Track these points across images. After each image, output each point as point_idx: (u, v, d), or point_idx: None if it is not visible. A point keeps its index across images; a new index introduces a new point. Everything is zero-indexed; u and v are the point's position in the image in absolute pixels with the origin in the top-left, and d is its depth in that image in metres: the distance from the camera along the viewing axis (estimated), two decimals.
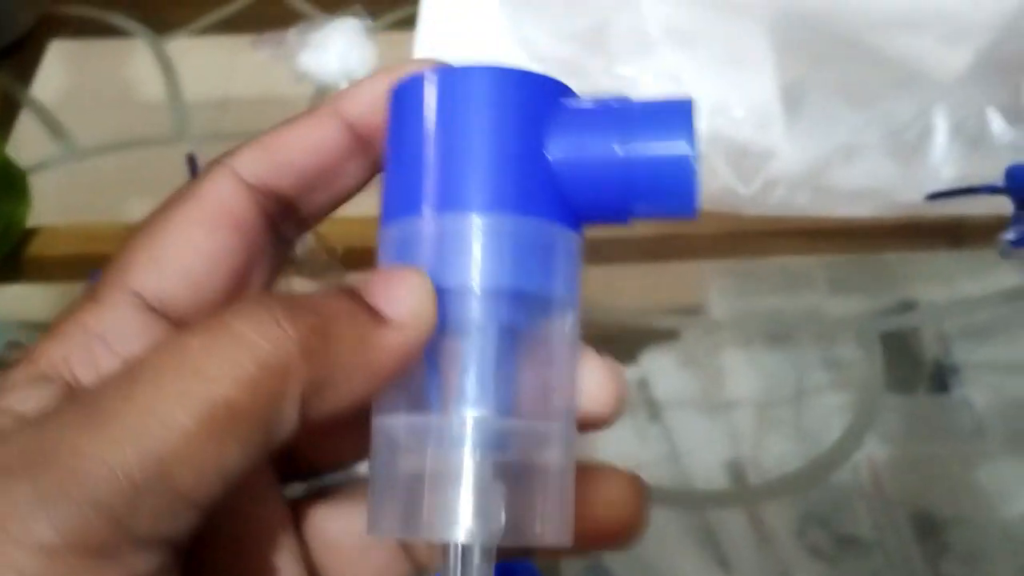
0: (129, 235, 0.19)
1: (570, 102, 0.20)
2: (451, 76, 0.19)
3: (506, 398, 0.18)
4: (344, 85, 0.56)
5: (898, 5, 0.54)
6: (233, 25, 0.61)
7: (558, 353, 0.19)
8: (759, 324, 0.53)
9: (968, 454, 0.49)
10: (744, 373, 0.52)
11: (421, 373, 0.19)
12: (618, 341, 0.53)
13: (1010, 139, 0.46)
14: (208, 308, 0.19)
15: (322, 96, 0.56)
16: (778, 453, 0.50)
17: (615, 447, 0.50)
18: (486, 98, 0.19)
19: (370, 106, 0.20)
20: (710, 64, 0.52)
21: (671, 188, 0.19)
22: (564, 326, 0.19)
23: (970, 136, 0.47)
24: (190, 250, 0.19)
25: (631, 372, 0.53)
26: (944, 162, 0.47)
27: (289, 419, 0.17)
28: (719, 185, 0.47)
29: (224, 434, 0.16)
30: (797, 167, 0.48)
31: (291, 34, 0.55)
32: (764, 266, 0.54)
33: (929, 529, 0.47)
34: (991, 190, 0.42)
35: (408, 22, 0.58)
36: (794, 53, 0.52)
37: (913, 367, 0.51)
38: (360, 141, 0.20)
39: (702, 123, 0.49)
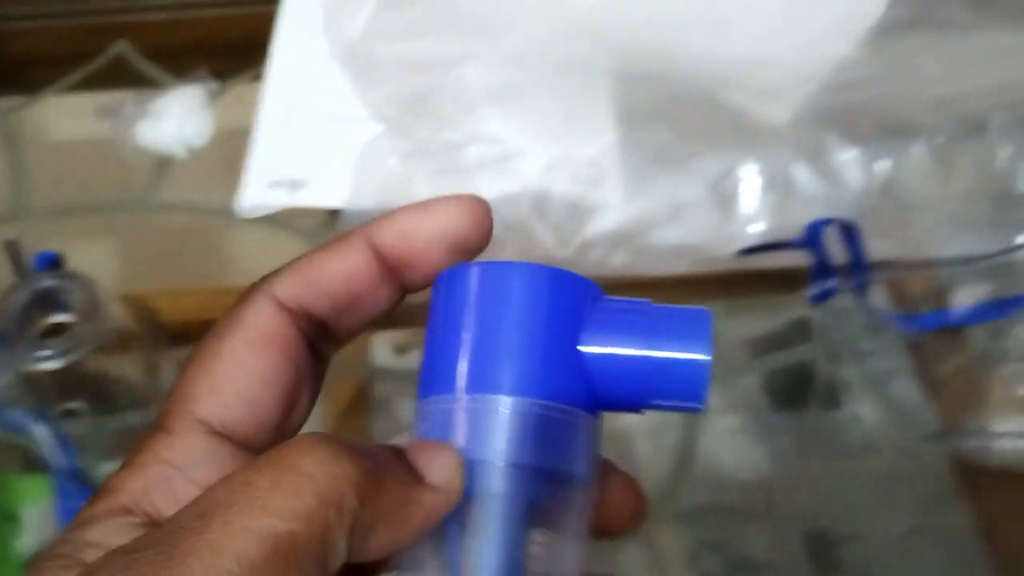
0: (185, 365, 0.21)
1: (602, 302, 0.22)
2: (494, 270, 0.22)
3: (519, 563, 0.20)
4: (182, 155, 0.57)
5: (728, 59, 0.55)
6: (83, 88, 0.60)
7: (573, 523, 0.21)
8: None
9: (859, 470, 0.50)
10: None
11: (443, 533, 0.21)
12: None
13: (816, 192, 0.47)
14: (266, 427, 0.21)
15: (162, 168, 0.56)
16: (671, 477, 0.50)
17: None
18: (523, 292, 0.21)
19: (400, 237, 0.22)
20: (542, 122, 0.52)
21: (688, 387, 0.22)
22: (580, 498, 0.21)
23: (779, 190, 0.47)
24: (245, 376, 0.21)
25: None
26: (756, 216, 0.47)
27: (340, 553, 0.18)
28: (537, 249, 0.48)
29: (288, 565, 0.17)
30: (620, 225, 0.48)
31: (129, 104, 0.55)
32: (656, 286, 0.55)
33: (822, 547, 0.48)
34: (793, 245, 0.43)
35: (254, 85, 0.58)
36: (629, 109, 0.53)
37: (803, 385, 0.52)
38: (389, 269, 0.22)
39: (531, 181, 0.49)
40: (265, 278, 0.22)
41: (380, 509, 0.19)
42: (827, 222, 0.43)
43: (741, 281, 0.50)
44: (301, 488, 0.18)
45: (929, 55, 0.54)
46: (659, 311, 0.22)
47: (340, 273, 0.22)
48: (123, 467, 0.20)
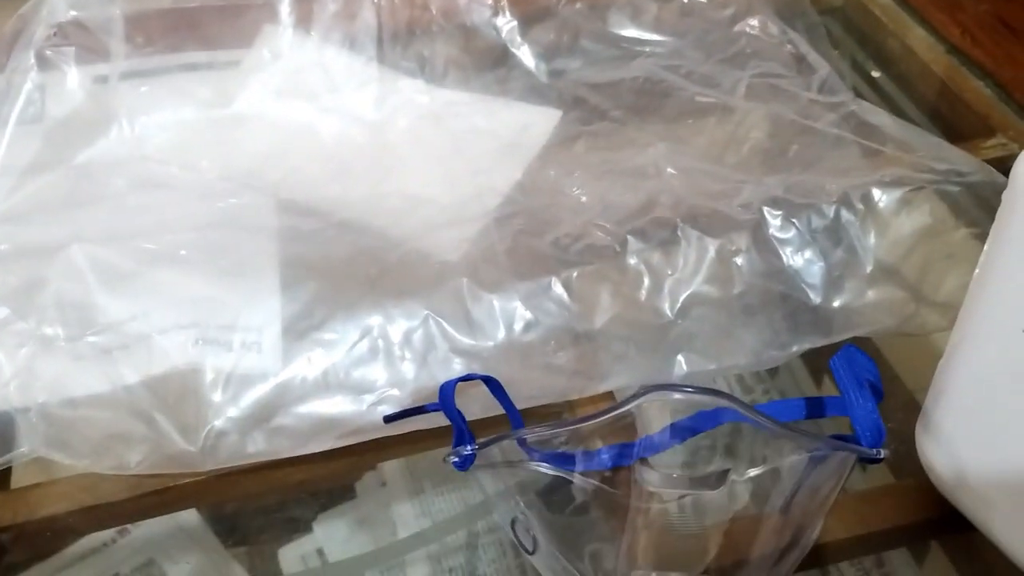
0: None
1: None
2: None
3: None
4: None
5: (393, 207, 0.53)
6: None
7: None
8: (428, 470, 0.52)
9: None
10: (417, 524, 0.51)
11: None
12: (292, 511, 0.51)
13: (462, 347, 0.45)
14: None
15: None
16: None
17: None
18: None
19: None
20: (188, 293, 0.49)
21: None
22: None
23: (418, 349, 0.45)
24: None
25: (310, 542, 0.51)
26: (395, 379, 0.44)
27: None
28: (170, 443, 0.44)
29: None
30: (265, 402, 0.45)
31: None
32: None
33: None
34: (433, 408, 0.40)
35: None
36: (288, 261, 0.50)
37: None
38: None
39: (180, 358, 0.44)
40: None
41: None
42: (460, 380, 0.40)
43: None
44: None
45: (584, 174, 0.53)
46: None
47: None
48: None
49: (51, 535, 0.48)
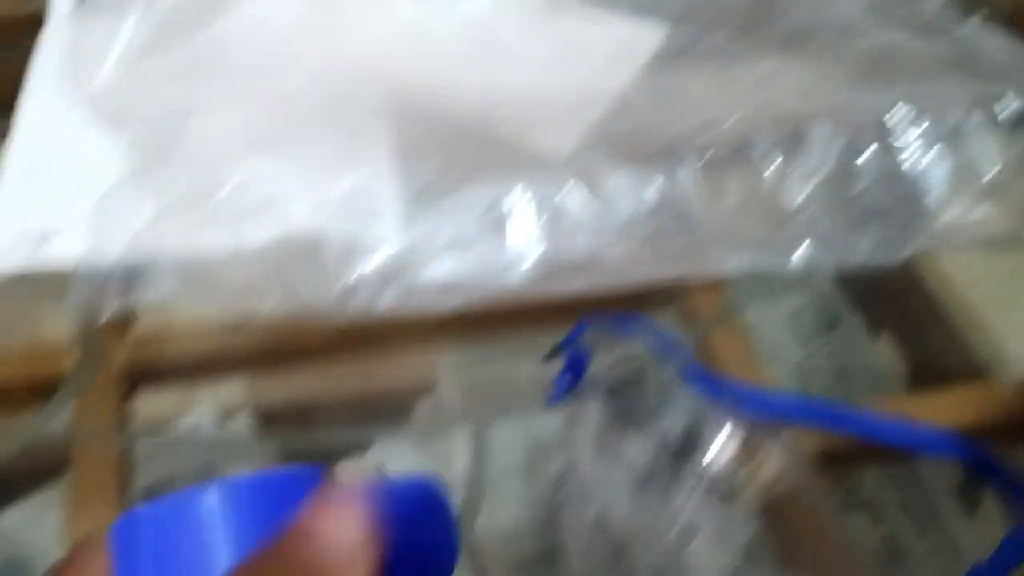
0: None
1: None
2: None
3: None
4: None
5: (506, 94, 0.54)
6: None
7: None
8: (488, 399, 0.52)
9: None
10: (474, 448, 0.50)
11: None
12: (350, 431, 0.52)
13: (589, 216, 0.46)
14: None
15: None
16: (510, 528, 0.49)
17: None
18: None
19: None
20: (311, 163, 0.50)
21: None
22: None
23: (552, 215, 0.46)
24: None
25: (366, 459, 0.51)
26: (529, 244, 0.46)
27: None
28: (305, 291, 0.45)
29: None
30: (390, 263, 0.46)
31: None
32: (490, 340, 0.52)
33: None
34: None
35: None
36: (404, 143, 0.52)
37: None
38: None
39: (301, 224, 0.46)
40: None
41: None
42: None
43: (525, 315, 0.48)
44: None
45: (697, 82, 0.54)
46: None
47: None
48: None
49: (175, 378, 0.49)
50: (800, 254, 0.47)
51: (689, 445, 0.38)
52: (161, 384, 0.50)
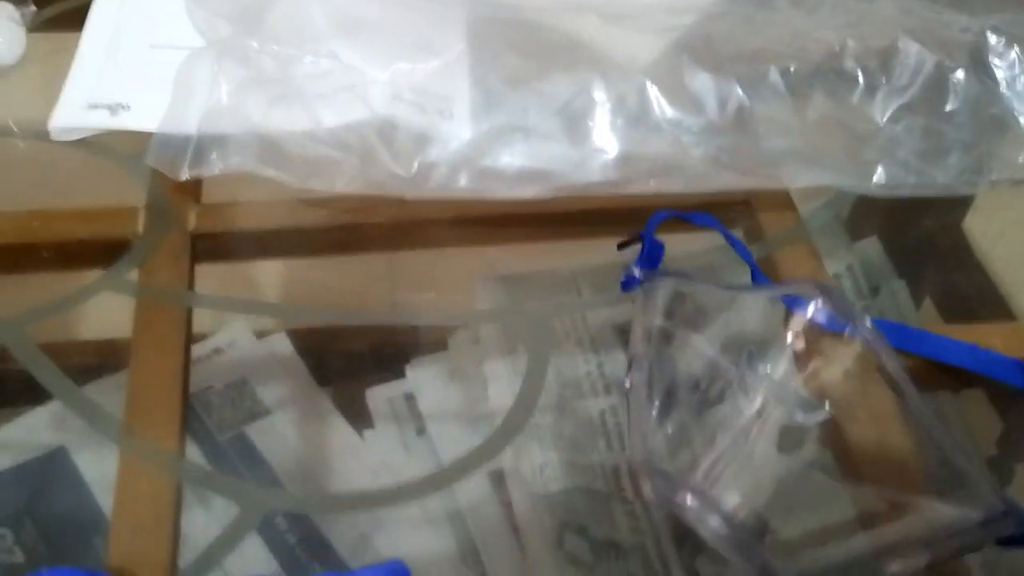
0: None
1: None
2: None
3: None
4: None
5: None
6: None
7: None
8: (522, 332, 0.51)
9: None
10: (508, 382, 0.51)
11: None
12: (387, 356, 0.52)
13: (669, 118, 0.45)
14: None
15: None
16: (539, 462, 0.48)
17: (382, 458, 0.48)
18: None
19: None
20: (388, 50, 0.50)
21: None
22: None
23: (632, 113, 0.45)
24: None
25: (399, 386, 0.51)
26: (607, 141, 0.45)
27: None
28: (380, 170, 0.45)
29: None
30: (464, 148, 0.46)
31: None
32: (528, 273, 0.52)
33: (685, 530, 0.46)
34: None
35: (73, 18, 0.55)
36: (480, 35, 0.51)
37: None
38: None
39: (377, 109, 0.46)
40: None
41: None
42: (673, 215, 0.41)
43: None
44: None
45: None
46: None
47: None
48: None
49: (242, 249, 0.50)
50: (879, 176, 0.46)
51: (755, 344, 0.37)
52: (224, 257, 0.50)
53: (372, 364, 0.52)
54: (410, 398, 0.51)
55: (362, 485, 0.47)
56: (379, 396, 0.51)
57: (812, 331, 0.36)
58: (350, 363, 0.53)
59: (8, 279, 0.50)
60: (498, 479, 0.48)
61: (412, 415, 0.50)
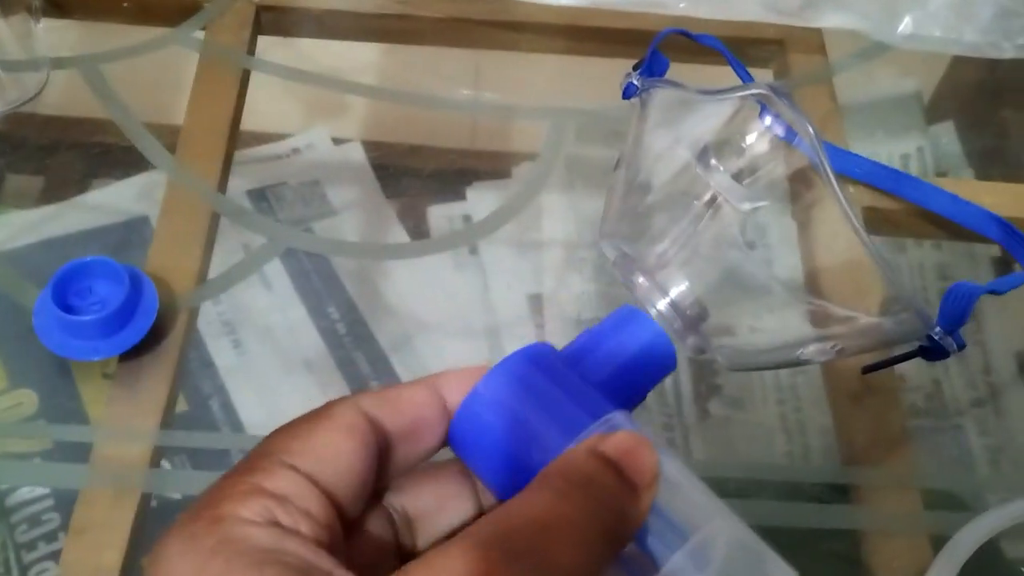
0: (271, 435, 0.25)
1: (563, 352, 0.27)
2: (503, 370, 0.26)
3: None
4: None
5: None
6: None
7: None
8: (584, 170, 0.53)
9: None
10: (561, 215, 0.53)
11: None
12: (449, 177, 0.55)
13: None
14: (346, 491, 0.25)
15: None
16: (577, 291, 0.51)
17: (434, 274, 0.51)
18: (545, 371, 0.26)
19: (458, 390, 0.27)
20: None
21: (660, 362, 0.27)
22: None
23: None
24: (334, 446, 0.25)
25: (459, 207, 0.54)
26: None
27: None
28: None
29: None
30: None
31: None
32: (602, 115, 0.53)
33: (703, 373, 0.49)
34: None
35: None
36: None
37: None
38: (446, 412, 0.27)
39: None
40: (352, 394, 0.26)
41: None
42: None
43: None
44: None
45: None
46: (600, 330, 0.27)
47: (412, 401, 0.26)
48: (220, 494, 0.23)
49: (300, 26, 0.53)
50: (905, 26, 0.45)
51: (717, 143, 0.38)
52: (286, 32, 0.53)
53: (437, 184, 0.54)
54: (467, 219, 0.54)
55: (411, 291, 0.51)
56: (439, 214, 0.54)
57: (770, 137, 0.36)
58: (417, 180, 0.55)
59: (92, 25, 0.54)
60: (536, 302, 0.51)
61: (468, 235, 0.52)
